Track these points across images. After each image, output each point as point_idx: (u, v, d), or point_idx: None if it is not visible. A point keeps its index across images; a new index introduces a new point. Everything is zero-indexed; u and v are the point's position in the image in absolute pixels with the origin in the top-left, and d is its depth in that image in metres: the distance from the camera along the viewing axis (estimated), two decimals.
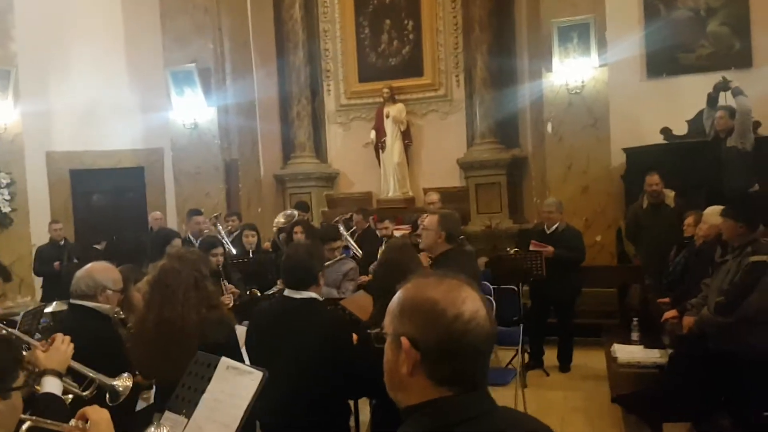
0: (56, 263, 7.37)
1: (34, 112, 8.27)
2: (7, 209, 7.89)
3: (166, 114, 8.87)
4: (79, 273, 2.91)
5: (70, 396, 2.32)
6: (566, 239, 6.26)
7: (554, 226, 6.33)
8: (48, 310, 5.52)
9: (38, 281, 8.13)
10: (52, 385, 2.16)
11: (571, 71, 7.55)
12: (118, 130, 9.17)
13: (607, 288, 7.06)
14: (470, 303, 1.23)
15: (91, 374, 2.39)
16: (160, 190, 9.36)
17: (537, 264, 6.01)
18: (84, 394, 2.36)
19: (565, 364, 6.34)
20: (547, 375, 6.25)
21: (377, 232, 6.66)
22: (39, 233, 8.39)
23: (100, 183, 9.43)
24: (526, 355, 6.01)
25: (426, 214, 6.59)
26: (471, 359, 1.22)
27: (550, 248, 6.10)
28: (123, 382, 2.44)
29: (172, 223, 8.63)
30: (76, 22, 8.81)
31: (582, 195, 7.54)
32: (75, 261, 7.24)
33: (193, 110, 8.72)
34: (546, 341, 6.44)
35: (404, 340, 1.22)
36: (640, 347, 4.90)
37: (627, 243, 7.35)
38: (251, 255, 6.35)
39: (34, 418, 1.68)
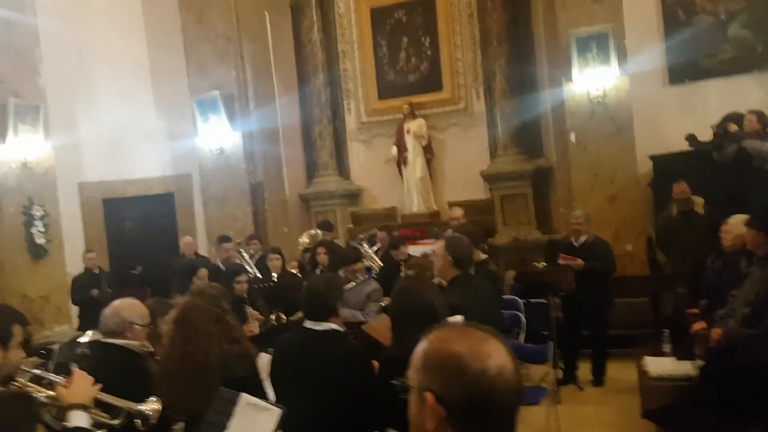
0: (94, 291, 7.52)
1: (65, 144, 8.48)
2: (41, 241, 8.08)
3: (193, 140, 9.05)
4: (106, 311, 2.98)
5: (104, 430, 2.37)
6: (595, 251, 6.19)
7: (582, 238, 6.26)
8: (83, 339, 5.67)
9: (75, 309, 8.33)
10: (79, 419, 2.21)
11: (591, 80, 7.50)
12: (146, 158, 9.36)
13: (640, 298, 6.98)
14: (496, 357, 1.19)
15: (118, 403, 2.45)
16: (190, 215, 9.52)
17: (567, 277, 5.95)
18: (114, 423, 2.42)
19: (599, 378, 6.26)
20: (581, 389, 6.16)
21: (394, 258, 6.61)
22: (74, 263, 8.59)
23: (131, 210, 9.62)
24: (559, 371, 5.94)
25: (449, 230, 6.65)
26: (498, 416, 1.19)
27: (580, 261, 6.03)
28: (151, 406, 2.49)
29: (203, 247, 8.77)
30: (101, 54, 9.03)
31: (610, 204, 7.45)
32: (109, 290, 7.42)
33: (219, 136, 8.88)
34: (580, 355, 6.35)
35: (429, 396, 1.18)
36: (672, 359, 4.80)
37: (658, 251, 7.23)
38: (276, 278, 6.40)
39: None
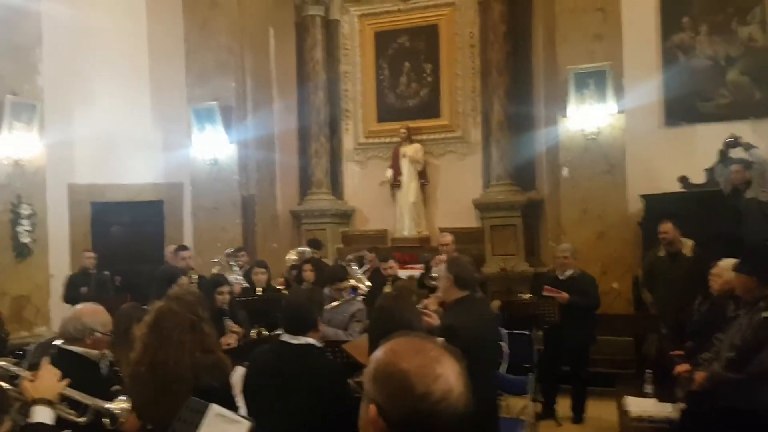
0: (83, 288, 7.44)
1: (58, 144, 8.43)
2: (26, 240, 8.00)
3: (187, 149, 9.01)
4: (67, 315, 2.90)
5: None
6: (580, 286, 6.15)
7: (568, 273, 6.23)
8: (59, 341, 5.57)
9: (55, 311, 8.21)
10: (42, 415, 2.16)
11: (587, 117, 7.55)
12: (139, 164, 9.31)
13: (624, 336, 6.93)
14: (443, 381, 1.17)
15: (85, 400, 2.38)
16: (178, 224, 9.45)
17: (550, 310, 5.92)
18: (80, 420, 2.35)
19: (578, 415, 6.19)
20: (560, 425, 6.09)
21: (382, 272, 6.61)
22: (57, 264, 8.51)
23: (119, 215, 9.54)
24: (539, 405, 5.87)
25: (440, 256, 6.63)
26: None
27: (565, 294, 6.00)
28: (120, 405, 2.43)
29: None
30: (102, 57, 9.03)
31: (598, 240, 7.45)
32: (110, 290, 7.33)
33: (214, 146, 8.85)
34: (559, 390, 6.29)
35: (372, 408, 1.18)
36: (654, 400, 4.76)
37: (644, 291, 7.20)
38: (261, 293, 6.33)
39: None
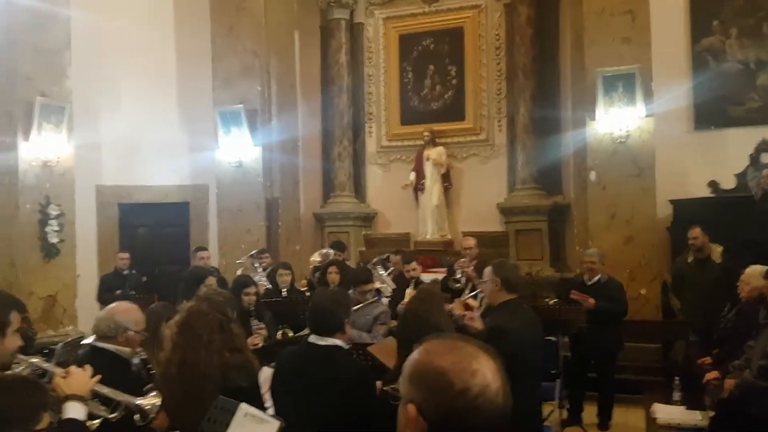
0: (118, 291, 7.53)
1: (86, 146, 8.56)
2: (54, 240, 8.11)
3: (213, 152, 9.08)
4: (100, 314, 2.93)
5: (96, 421, 2.32)
6: (608, 291, 6.06)
7: (596, 278, 6.15)
8: (87, 341, 5.63)
9: (81, 311, 8.32)
10: (74, 411, 2.17)
11: (615, 120, 7.45)
12: (165, 166, 9.41)
13: (651, 343, 6.86)
14: (480, 377, 1.17)
15: (116, 396, 2.40)
16: (204, 226, 9.52)
17: (577, 316, 5.84)
18: (111, 416, 2.37)
19: (604, 422, 6.10)
20: None
21: (405, 274, 6.59)
22: (85, 264, 8.61)
23: (145, 217, 9.64)
24: (564, 411, 5.81)
25: (462, 259, 6.59)
26: None
27: (591, 300, 5.91)
28: (150, 401, 2.44)
29: (214, 259, 8.74)
30: (129, 60, 9.15)
31: (625, 245, 7.35)
32: (132, 292, 7.42)
33: (239, 149, 8.91)
34: (585, 397, 6.21)
35: (411, 408, 1.18)
36: (682, 408, 4.68)
37: (672, 297, 7.10)
38: (285, 294, 6.35)
39: None
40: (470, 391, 1.15)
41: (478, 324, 3.49)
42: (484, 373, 1.18)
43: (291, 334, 5.24)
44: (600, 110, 7.49)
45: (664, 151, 7.42)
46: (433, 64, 9.62)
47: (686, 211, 7.16)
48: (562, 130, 8.58)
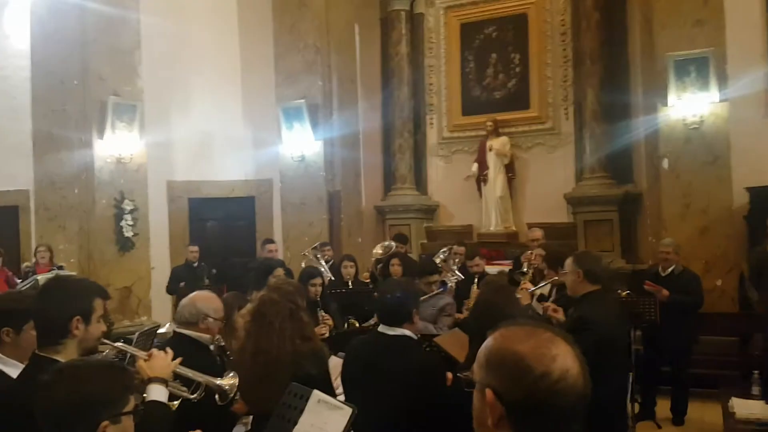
0: (181, 284, 7.79)
1: (157, 143, 8.87)
2: (129, 234, 8.45)
3: (276, 147, 9.24)
4: (183, 301, 3.03)
5: (175, 403, 2.40)
6: (683, 283, 5.90)
7: (670, 269, 5.98)
8: (162, 330, 5.84)
9: (156, 302, 8.64)
10: (156, 393, 2.25)
11: (688, 106, 7.20)
12: (232, 161, 9.65)
13: (727, 336, 6.64)
14: (561, 361, 1.17)
15: (197, 377, 2.47)
16: (268, 219, 9.70)
17: (650, 308, 5.67)
18: (192, 396, 2.44)
19: (678, 417, 5.97)
20: (659, 427, 5.89)
21: (468, 269, 6.51)
22: (158, 257, 8.94)
23: (214, 211, 9.92)
24: (637, 405, 5.67)
25: (530, 251, 6.47)
26: (559, 420, 1.16)
27: (665, 291, 5.75)
28: (229, 381, 2.51)
29: (279, 251, 8.89)
30: (196, 60, 9.41)
31: (701, 236, 7.10)
32: (206, 282, 7.65)
33: (301, 143, 9.04)
34: (659, 391, 6.07)
35: (489, 393, 1.18)
36: (761, 403, 4.48)
37: (750, 289, 6.79)
38: (349, 285, 6.41)
39: None
40: (551, 376, 1.15)
41: (560, 316, 3.44)
42: (564, 357, 1.18)
43: (356, 323, 5.28)
44: (672, 95, 7.29)
45: (739, 137, 7.14)
46: (495, 52, 9.45)
47: (764, 199, 6.85)
48: (632, 117, 8.31)
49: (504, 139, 9.09)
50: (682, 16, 7.30)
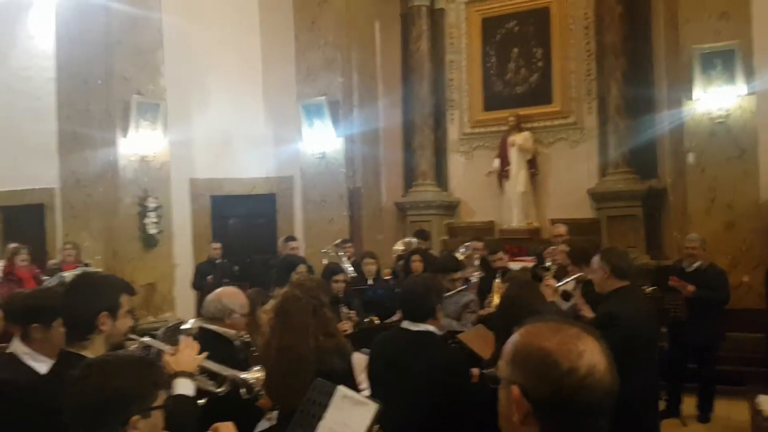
0: (209, 277, 7.91)
1: (179, 141, 8.95)
2: (153, 231, 8.53)
3: (297, 145, 9.28)
4: (209, 296, 3.06)
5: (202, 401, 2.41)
6: (709, 278, 5.82)
7: (696, 264, 5.90)
8: (186, 326, 5.88)
9: (179, 298, 8.73)
10: (183, 387, 2.26)
11: (714, 99, 7.09)
12: (253, 159, 9.70)
13: (754, 333, 6.56)
14: (588, 356, 1.16)
15: (223, 371, 2.49)
16: (289, 216, 9.75)
17: (676, 304, 5.61)
18: (218, 390, 2.46)
19: (704, 414, 5.90)
20: (684, 425, 5.82)
21: (491, 264, 6.48)
22: (181, 253, 9.03)
23: (235, 208, 9.99)
24: (662, 403, 5.62)
25: (553, 247, 6.42)
26: (587, 416, 1.15)
27: (691, 287, 5.68)
28: (254, 375, 2.52)
29: (300, 248, 8.93)
30: (218, 58, 9.46)
31: (727, 231, 6.99)
32: (226, 280, 7.72)
33: (322, 140, 9.06)
34: (685, 389, 5.99)
35: (515, 389, 1.18)
36: None
37: None
38: (371, 282, 6.41)
39: None
40: (578, 372, 1.14)
41: (588, 313, 3.42)
42: (591, 353, 1.17)
43: (377, 321, 5.28)
44: (697, 89, 7.19)
45: (766, 130, 6.99)
46: (517, 46, 9.36)
47: None
48: (657, 111, 8.19)
49: (526, 134, 9.01)
50: (707, 9, 7.19)
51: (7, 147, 9.32)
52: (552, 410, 1.15)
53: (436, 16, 9.89)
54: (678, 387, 5.94)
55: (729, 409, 5.80)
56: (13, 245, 7.50)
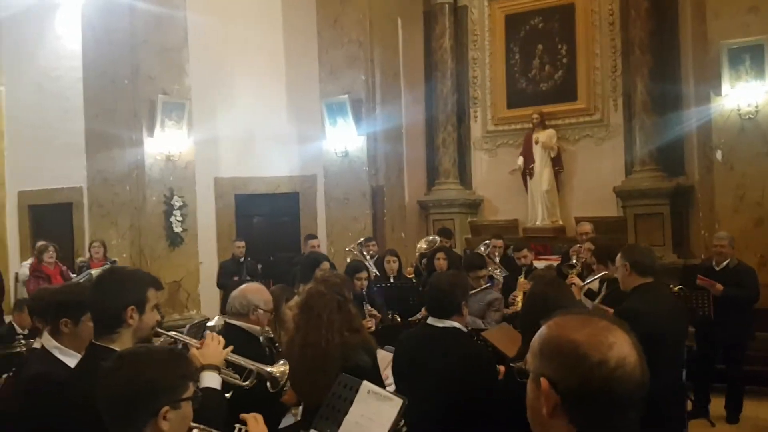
0: (235, 277, 7.95)
1: (204, 140, 9.03)
2: (178, 229, 8.62)
3: (320, 143, 9.30)
4: (234, 292, 3.08)
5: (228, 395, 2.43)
6: (738, 277, 5.73)
7: (725, 263, 5.81)
8: (210, 323, 5.94)
9: (204, 296, 8.81)
10: (210, 380, 2.29)
11: (743, 95, 6.97)
12: (277, 157, 9.75)
13: None
14: (618, 348, 1.14)
15: (248, 365, 2.51)
16: (313, 215, 9.78)
17: (703, 303, 5.52)
18: (244, 384, 2.48)
19: (733, 415, 5.79)
20: (713, 425, 5.73)
21: (516, 261, 6.44)
22: (206, 252, 9.11)
23: (260, 207, 10.06)
24: (690, 403, 5.55)
25: (578, 245, 6.36)
26: (616, 408, 1.14)
27: (719, 286, 5.58)
28: (279, 368, 2.54)
29: (323, 246, 8.95)
30: (241, 58, 9.53)
31: (756, 228, 6.86)
32: (248, 278, 7.79)
33: (345, 139, 9.07)
34: (713, 388, 5.90)
35: (543, 382, 1.17)
36: None
37: None
38: (393, 280, 6.40)
39: (201, 426, 1.77)
40: (608, 364, 1.13)
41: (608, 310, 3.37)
42: (621, 345, 1.15)
43: (399, 319, 5.28)
44: (726, 85, 7.06)
45: None
46: (541, 43, 9.26)
47: None
48: (684, 107, 8.06)
49: (551, 131, 8.93)
50: (735, 4, 7.07)
51: (37, 146, 9.51)
52: (581, 402, 1.13)
53: (459, 14, 9.85)
54: (706, 387, 5.85)
55: (758, 410, 5.74)
56: (40, 243, 7.66)
